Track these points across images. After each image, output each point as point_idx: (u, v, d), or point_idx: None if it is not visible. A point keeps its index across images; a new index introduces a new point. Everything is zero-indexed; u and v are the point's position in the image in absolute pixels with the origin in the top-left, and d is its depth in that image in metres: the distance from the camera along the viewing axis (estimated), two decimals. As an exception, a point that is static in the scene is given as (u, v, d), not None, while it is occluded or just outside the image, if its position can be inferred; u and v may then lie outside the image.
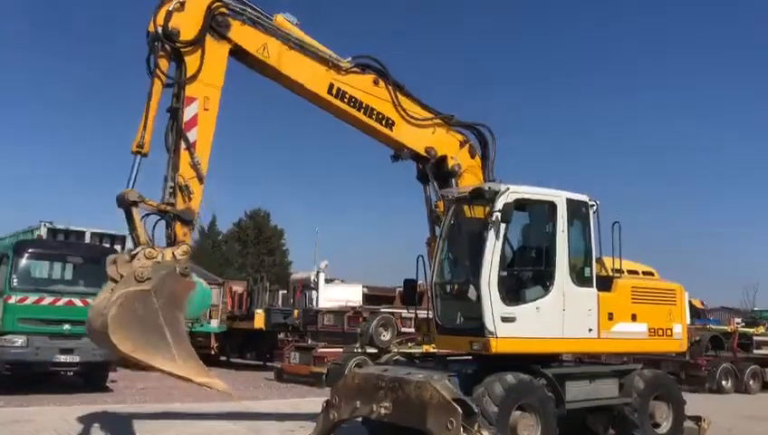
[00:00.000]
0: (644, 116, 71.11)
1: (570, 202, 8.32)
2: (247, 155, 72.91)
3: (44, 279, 14.33)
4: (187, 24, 7.24)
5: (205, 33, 7.32)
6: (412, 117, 8.80)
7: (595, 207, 8.53)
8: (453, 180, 9.02)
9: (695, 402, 10.88)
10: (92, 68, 67.23)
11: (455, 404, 6.72)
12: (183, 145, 7.09)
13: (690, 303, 24.28)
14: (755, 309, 34.71)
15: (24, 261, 13.53)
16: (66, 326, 13.29)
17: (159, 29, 7.08)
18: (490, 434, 6.60)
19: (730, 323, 22.83)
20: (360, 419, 8.56)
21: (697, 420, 9.08)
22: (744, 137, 68.64)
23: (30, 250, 14.07)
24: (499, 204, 7.69)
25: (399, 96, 8.72)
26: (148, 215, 6.87)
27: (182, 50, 7.22)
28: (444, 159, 9.04)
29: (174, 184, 7.03)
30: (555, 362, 8.45)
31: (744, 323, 23.42)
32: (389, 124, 8.65)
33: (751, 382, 20.59)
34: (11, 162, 63.99)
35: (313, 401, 10.27)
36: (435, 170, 9.08)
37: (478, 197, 8.22)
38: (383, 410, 7.51)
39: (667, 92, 68.70)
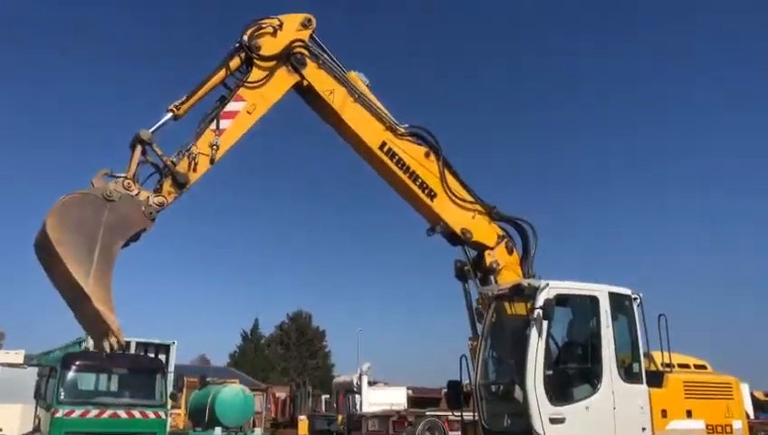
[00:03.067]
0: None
1: (612, 296, 8.19)
2: (291, 258, 73.66)
3: (90, 391, 14.40)
4: (271, 46, 7.97)
5: (281, 59, 8.00)
6: (456, 196, 8.92)
7: (639, 301, 8.37)
8: (492, 277, 8.99)
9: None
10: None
11: None
12: (213, 125, 7.51)
13: (752, 395, 23.13)
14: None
15: (71, 374, 13.63)
16: (112, 440, 13.24)
17: (245, 39, 7.82)
18: None
19: (797, 414, 21.52)
20: None
21: None
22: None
23: (77, 363, 14.20)
24: (540, 300, 7.63)
25: (447, 174, 8.89)
26: (145, 162, 7.07)
27: (256, 61, 7.86)
28: (481, 255, 9.04)
29: (187, 150, 7.31)
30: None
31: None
32: (432, 195, 8.79)
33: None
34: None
35: None
36: (474, 267, 9.08)
37: (518, 293, 8.17)
38: None
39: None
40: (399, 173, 8.68)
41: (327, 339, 54.98)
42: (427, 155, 8.81)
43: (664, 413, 8.08)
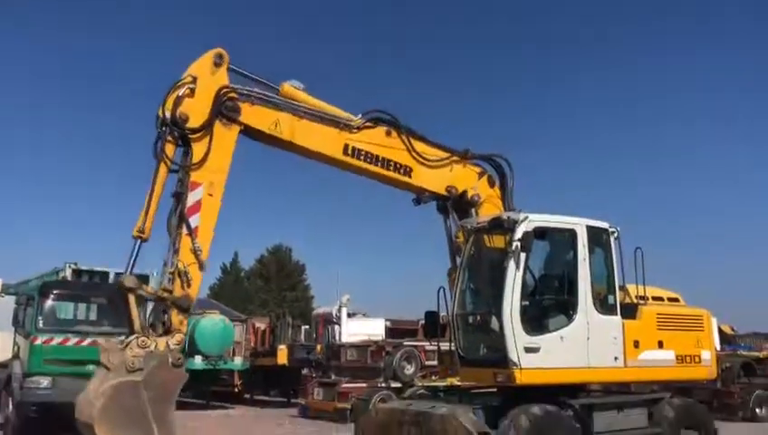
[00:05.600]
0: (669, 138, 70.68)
1: (590, 229, 8.28)
2: (268, 191, 73.41)
3: (69, 320, 14.47)
4: (197, 110, 7.27)
5: (214, 119, 7.34)
6: (428, 160, 8.85)
7: (616, 234, 8.47)
8: (473, 210, 9.04)
9: (728, 432, 10.63)
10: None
11: (480, 438, 6.62)
12: (185, 230, 7.06)
13: (720, 329, 23.80)
14: (788, 333, 33.89)
15: (49, 302, 13.66)
16: (91, 367, 13.27)
17: (168, 114, 7.14)
18: (517, 468, 6.48)
19: (762, 348, 22.29)
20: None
21: (731, 449, 8.85)
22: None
23: (55, 291, 14.21)
24: (518, 233, 7.68)
25: (413, 141, 8.77)
26: (146, 301, 6.90)
27: (190, 136, 7.25)
28: (464, 192, 9.08)
29: (174, 269, 6.97)
30: (582, 392, 8.31)
31: (776, 349, 22.85)
32: (407, 172, 8.71)
33: (786, 409, 20.03)
34: (36, 205, 65.19)
35: (338, 438, 10.17)
36: (456, 201, 9.12)
37: (497, 226, 8.21)
38: (408, 446, 7.43)
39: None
40: (371, 167, 8.52)
41: (307, 273, 55.58)
42: (388, 134, 8.64)
43: (636, 344, 8.30)
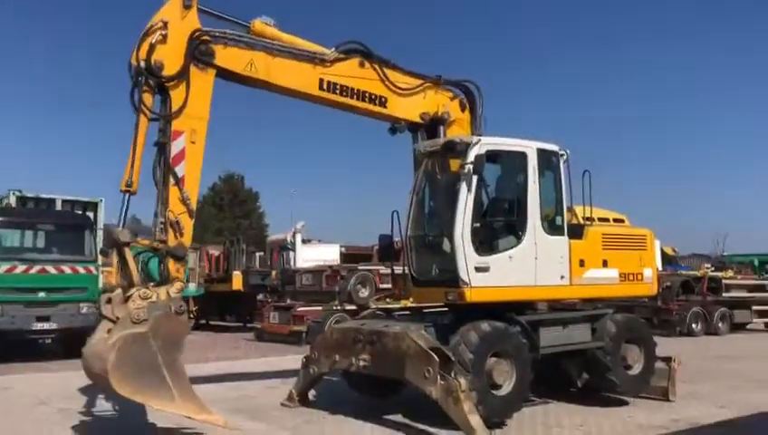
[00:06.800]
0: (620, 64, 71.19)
1: (540, 152, 8.38)
2: (218, 120, 71.66)
3: (16, 248, 14.20)
4: (171, 57, 7.11)
5: (189, 64, 7.21)
6: (402, 88, 8.87)
7: (565, 157, 8.59)
8: (441, 129, 9.09)
9: (666, 345, 11.22)
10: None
11: (431, 353, 6.83)
12: (172, 180, 7.01)
13: (662, 250, 24.77)
14: (725, 254, 35.51)
15: (-6, 230, 13.37)
16: (41, 294, 13.24)
17: (143, 63, 6.95)
18: (466, 381, 6.73)
19: (700, 268, 23.34)
20: (339, 372, 8.71)
21: (668, 360, 9.33)
22: (719, 80, 69.20)
23: (0, 219, 13.90)
24: (470, 156, 7.73)
25: (386, 71, 8.75)
26: (140, 253, 6.86)
27: (167, 84, 7.10)
28: (435, 113, 9.13)
29: (165, 220, 6.96)
30: (529, 309, 8.60)
31: (713, 268, 23.95)
32: (382, 102, 8.72)
33: (720, 324, 21.25)
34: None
35: (294, 359, 10.39)
36: (427, 128, 9.21)
37: (450, 149, 8.24)
38: (362, 363, 7.64)
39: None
40: (346, 100, 8.50)
41: (261, 201, 55.25)
42: (361, 65, 8.58)
43: (582, 263, 8.57)
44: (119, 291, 6.62)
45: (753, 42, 69.73)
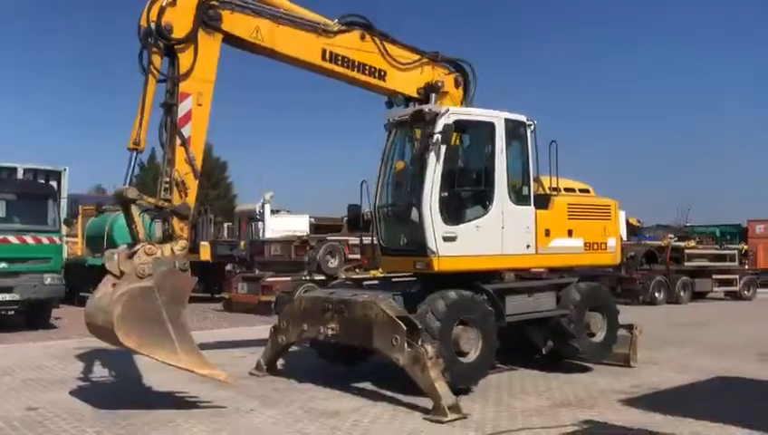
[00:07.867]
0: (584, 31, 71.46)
1: (508, 122, 8.42)
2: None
3: (-24, 218, 13.87)
4: (180, 20, 7.19)
5: (197, 28, 7.30)
6: (401, 63, 8.97)
7: (533, 127, 8.65)
8: (433, 96, 9.10)
9: (629, 313, 11.49)
10: None
11: (399, 321, 6.88)
12: (178, 141, 7.12)
13: (627, 221, 25.23)
14: (687, 225, 36.27)
15: (-48, 200, 13.04)
16: (2, 265, 12.98)
17: (153, 25, 7.03)
18: (433, 348, 6.81)
19: (664, 238, 23.81)
20: (308, 341, 8.76)
21: (630, 328, 9.55)
22: (687, 60, 69.97)
23: (-41, 188, 13.57)
24: (439, 125, 7.75)
25: (387, 45, 8.86)
26: (145, 210, 6.99)
27: (175, 46, 7.19)
28: (428, 82, 9.19)
29: (170, 179, 7.08)
30: (496, 278, 8.71)
31: (676, 238, 24.44)
32: (382, 75, 8.84)
33: (681, 293, 21.80)
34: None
35: (263, 329, 10.41)
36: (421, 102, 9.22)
37: (419, 119, 8.25)
38: (330, 332, 7.67)
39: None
40: (348, 72, 8.59)
41: (229, 171, 54.62)
42: (362, 37, 8.68)
43: (547, 232, 8.69)
44: (123, 246, 6.80)
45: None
